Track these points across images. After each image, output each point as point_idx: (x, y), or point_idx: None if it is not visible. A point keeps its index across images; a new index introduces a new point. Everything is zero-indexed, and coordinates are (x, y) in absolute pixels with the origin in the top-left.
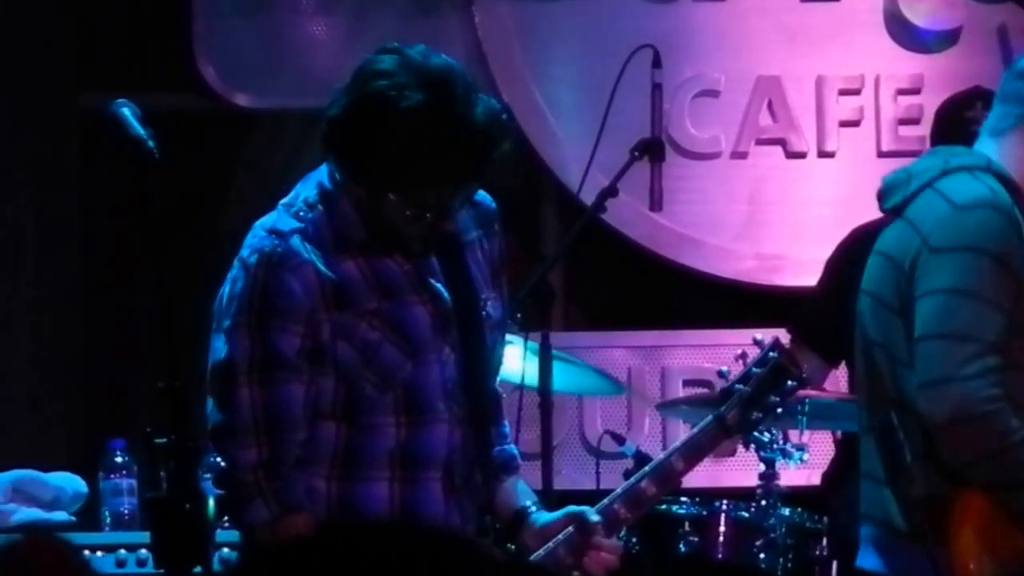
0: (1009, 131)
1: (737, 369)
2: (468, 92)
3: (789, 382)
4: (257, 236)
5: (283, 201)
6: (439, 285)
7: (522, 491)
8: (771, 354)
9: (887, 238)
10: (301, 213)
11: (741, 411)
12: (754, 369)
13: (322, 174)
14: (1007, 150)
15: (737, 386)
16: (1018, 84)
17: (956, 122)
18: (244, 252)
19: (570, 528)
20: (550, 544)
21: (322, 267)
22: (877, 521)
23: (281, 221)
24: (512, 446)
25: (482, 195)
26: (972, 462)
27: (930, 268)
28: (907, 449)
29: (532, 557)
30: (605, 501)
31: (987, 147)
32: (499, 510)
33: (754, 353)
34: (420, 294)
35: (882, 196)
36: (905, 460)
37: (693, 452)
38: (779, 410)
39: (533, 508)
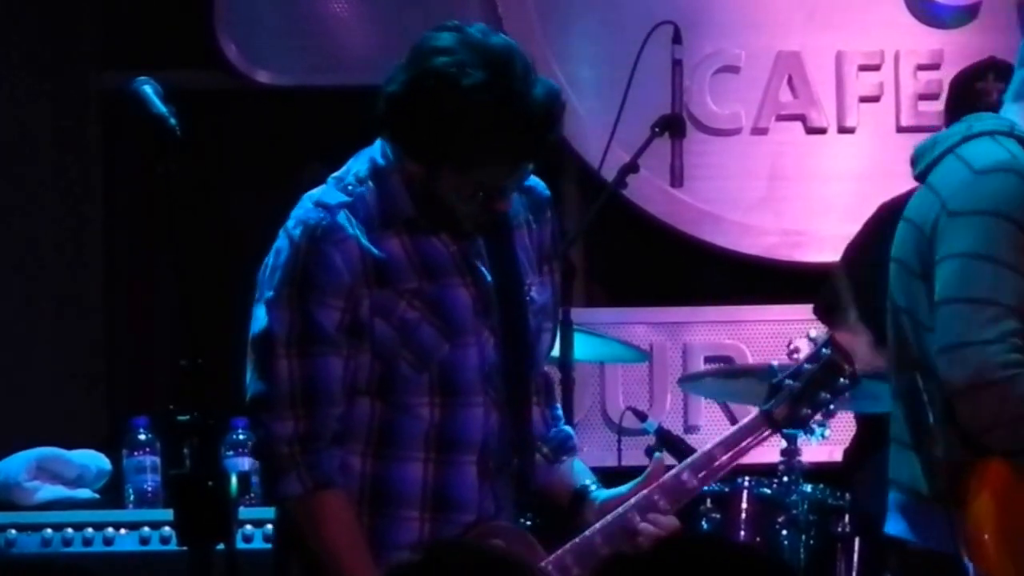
0: None
1: (791, 364)
2: (527, 72)
3: (841, 380)
4: (304, 208)
5: (334, 175)
6: (483, 267)
7: (580, 471)
8: (824, 351)
9: (912, 204)
10: (350, 187)
11: (790, 407)
12: (806, 365)
13: (375, 150)
14: None
15: (787, 381)
16: None
17: (967, 93)
18: (289, 223)
19: (619, 509)
20: (597, 524)
21: (366, 243)
22: (903, 486)
23: (329, 194)
24: (567, 427)
25: (535, 181)
26: (988, 428)
27: (949, 232)
28: (930, 411)
29: (574, 541)
30: (644, 492)
31: (1011, 112)
32: (558, 491)
33: (807, 349)
34: (463, 276)
35: (912, 163)
36: (928, 422)
37: (737, 445)
38: (830, 407)
39: (593, 487)
